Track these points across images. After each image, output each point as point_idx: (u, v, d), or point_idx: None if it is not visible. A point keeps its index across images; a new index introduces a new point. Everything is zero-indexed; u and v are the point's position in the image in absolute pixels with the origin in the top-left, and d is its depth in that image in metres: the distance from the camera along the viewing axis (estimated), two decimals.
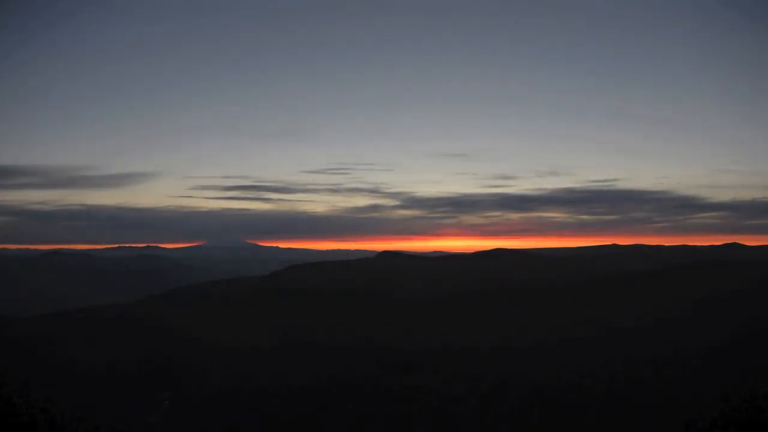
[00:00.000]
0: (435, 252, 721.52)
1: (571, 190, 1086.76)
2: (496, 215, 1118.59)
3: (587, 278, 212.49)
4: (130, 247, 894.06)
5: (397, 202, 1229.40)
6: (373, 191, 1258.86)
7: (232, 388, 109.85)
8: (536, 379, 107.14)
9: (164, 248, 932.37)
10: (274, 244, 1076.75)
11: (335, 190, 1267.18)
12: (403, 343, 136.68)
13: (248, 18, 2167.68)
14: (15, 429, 17.87)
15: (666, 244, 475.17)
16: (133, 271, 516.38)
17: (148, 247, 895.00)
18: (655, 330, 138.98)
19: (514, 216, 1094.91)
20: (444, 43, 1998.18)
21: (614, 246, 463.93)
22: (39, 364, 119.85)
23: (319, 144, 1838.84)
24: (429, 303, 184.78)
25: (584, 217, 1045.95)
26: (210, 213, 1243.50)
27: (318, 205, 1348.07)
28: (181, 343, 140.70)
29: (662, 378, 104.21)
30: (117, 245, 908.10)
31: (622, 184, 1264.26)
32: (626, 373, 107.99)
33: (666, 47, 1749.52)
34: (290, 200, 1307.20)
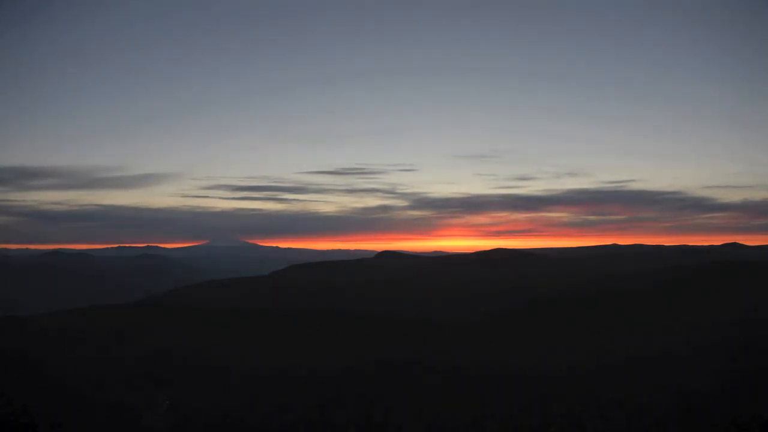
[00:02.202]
0: (435, 252, 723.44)
1: (581, 191, 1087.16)
2: (503, 215, 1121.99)
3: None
4: (130, 246, 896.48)
5: (407, 203, 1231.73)
6: (390, 192, 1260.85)
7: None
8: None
9: (165, 248, 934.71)
10: (274, 244, 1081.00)
11: (351, 191, 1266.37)
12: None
13: (268, 22, 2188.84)
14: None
15: (666, 244, 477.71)
16: (132, 271, 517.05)
17: (148, 246, 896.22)
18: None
19: (520, 216, 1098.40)
20: (469, 46, 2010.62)
21: (614, 246, 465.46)
22: (40, 363, 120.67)
23: (341, 145, 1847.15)
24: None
25: (590, 217, 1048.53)
26: (222, 213, 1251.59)
27: (330, 205, 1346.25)
28: (179, 354, 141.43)
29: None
30: (117, 245, 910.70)
31: (636, 185, 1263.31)
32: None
33: (687, 50, 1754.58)
34: (303, 200, 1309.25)
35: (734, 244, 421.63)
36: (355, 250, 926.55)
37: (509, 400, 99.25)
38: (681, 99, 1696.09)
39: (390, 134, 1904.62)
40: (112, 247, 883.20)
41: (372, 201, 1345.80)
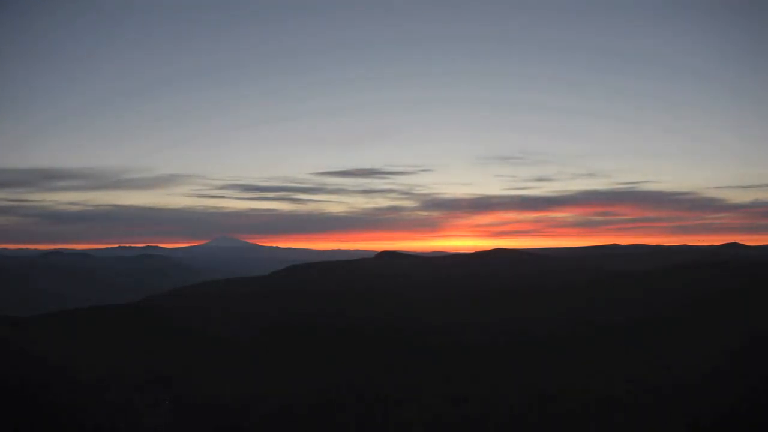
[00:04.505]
0: (435, 252, 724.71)
1: (591, 192, 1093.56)
2: (509, 216, 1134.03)
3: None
4: (130, 246, 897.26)
5: (417, 204, 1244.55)
6: (405, 193, 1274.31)
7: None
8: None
9: (165, 248, 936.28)
10: (275, 244, 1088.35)
11: (368, 191, 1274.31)
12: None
13: (283, 22, 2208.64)
14: None
15: (667, 244, 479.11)
16: (132, 271, 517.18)
17: (148, 246, 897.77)
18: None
19: (525, 217, 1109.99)
20: (497, 47, 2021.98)
21: (613, 246, 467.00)
22: (39, 363, 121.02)
23: (362, 146, 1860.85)
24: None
25: (596, 218, 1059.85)
26: (229, 213, 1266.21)
27: (341, 206, 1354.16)
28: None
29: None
30: (118, 245, 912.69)
31: (648, 186, 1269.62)
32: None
33: (703, 50, 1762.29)
34: (318, 201, 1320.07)
35: (734, 244, 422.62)
36: (356, 250, 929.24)
37: None
38: (697, 98, 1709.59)
39: (413, 135, 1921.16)
40: (112, 248, 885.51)
41: (384, 202, 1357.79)
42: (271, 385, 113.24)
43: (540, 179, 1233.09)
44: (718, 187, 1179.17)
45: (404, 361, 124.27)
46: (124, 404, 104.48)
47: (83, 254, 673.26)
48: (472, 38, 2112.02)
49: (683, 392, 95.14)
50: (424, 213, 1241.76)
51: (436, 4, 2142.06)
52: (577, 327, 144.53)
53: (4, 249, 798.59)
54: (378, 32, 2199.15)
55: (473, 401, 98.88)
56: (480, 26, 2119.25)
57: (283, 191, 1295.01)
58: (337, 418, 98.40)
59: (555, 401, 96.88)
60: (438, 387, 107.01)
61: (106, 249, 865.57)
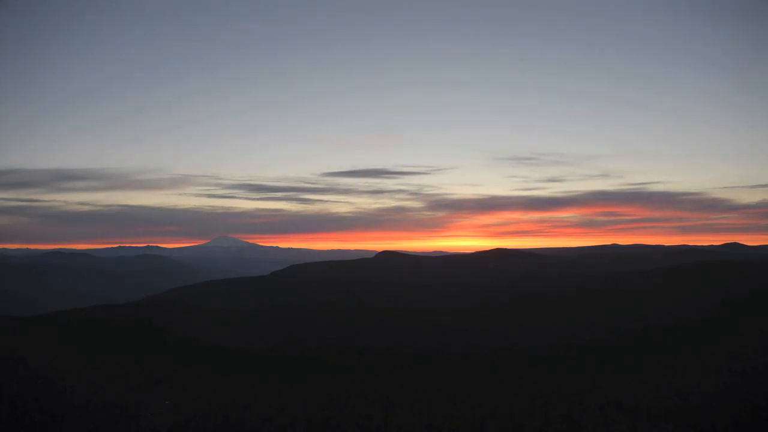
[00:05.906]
0: (435, 252, 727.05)
1: (599, 193, 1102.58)
2: (513, 216, 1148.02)
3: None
4: (130, 246, 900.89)
5: (423, 204, 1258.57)
6: (415, 193, 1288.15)
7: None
8: None
9: (165, 248, 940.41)
10: (275, 244, 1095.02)
11: (378, 192, 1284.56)
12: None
13: (294, 23, 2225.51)
14: None
15: (666, 244, 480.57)
16: (131, 271, 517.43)
17: (148, 246, 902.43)
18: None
19: (530, 217, 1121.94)
20: (514, 46, 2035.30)
21: (613, 246, 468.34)
22: (33, 365, 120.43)
23: (374, 147, 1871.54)
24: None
25: (600, 218, 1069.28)
26: (233, 213, 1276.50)
27: (348, 206, 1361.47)
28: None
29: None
30: (117, 245, 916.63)
31: (657, 187, 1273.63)
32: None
33: (712, 50, 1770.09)
34: (326, 201, 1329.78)
35: (735, 244, 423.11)
36: (356, 250, 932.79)
37: None
38: (709, 99, 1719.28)
39: (428, 137, 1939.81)
40: (112, 247, 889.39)
41: (391, 202, 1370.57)
42: (270, 386, 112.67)
43: (552, 180, 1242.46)
44: (725, 188, 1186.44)
45: (402, 362, 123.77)
46: (121, 406, 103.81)
47: (83, 254, 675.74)
48: (484, 38, 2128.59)
49: (686, 396, 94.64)
50: (429, 213, 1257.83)
51: (448, 3, 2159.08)
52: (576, 328, 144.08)
53: (5, 249, 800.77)
54: (389, 32, 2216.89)
55: (472, 404, 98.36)
56: (493, 27, 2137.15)
57: (292, 191, 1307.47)
58: (336, 418, 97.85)
59: (555, 405, 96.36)
60: (434, 392, 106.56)
61: (107, 249, 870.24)
